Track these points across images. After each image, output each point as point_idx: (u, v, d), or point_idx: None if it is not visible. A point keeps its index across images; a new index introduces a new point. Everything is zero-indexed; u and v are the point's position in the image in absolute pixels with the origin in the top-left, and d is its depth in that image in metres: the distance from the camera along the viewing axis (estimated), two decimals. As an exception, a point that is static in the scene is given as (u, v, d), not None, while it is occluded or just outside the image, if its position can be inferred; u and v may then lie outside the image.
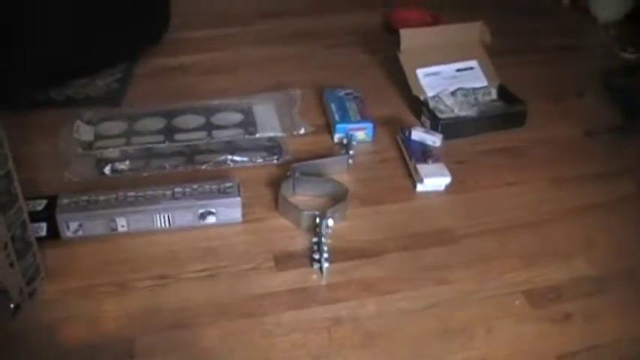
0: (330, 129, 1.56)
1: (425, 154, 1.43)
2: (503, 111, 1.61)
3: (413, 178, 1.40)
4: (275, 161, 1.45)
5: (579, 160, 1.50)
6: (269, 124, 1.54)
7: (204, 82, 1.78)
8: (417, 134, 1.47)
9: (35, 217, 1.19)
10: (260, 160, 1.44)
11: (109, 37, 1.73)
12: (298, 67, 1.86)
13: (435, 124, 1.52)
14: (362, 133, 1.51)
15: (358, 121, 1.52)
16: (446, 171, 1.38)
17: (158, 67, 1.84)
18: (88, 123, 1.54)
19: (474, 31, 1.71)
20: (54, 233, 1.23)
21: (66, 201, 1.24)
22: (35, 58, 1.59)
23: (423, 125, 1.56)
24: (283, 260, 1.20)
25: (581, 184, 1.42)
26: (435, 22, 2.05)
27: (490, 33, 1.69)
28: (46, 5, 1.57)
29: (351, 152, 1.43)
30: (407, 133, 1.48)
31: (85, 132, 1.50)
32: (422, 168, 1.38)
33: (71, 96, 1.68)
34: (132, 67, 1.82)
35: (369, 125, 1.52)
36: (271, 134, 1.51)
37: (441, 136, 1.46)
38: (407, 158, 1.45)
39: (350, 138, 1.47)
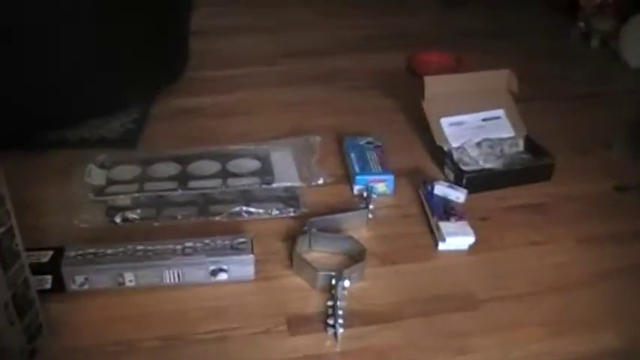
0: (349, 180, 1.50)
1: (448, 211, 1.37)
2: (530, 164, 1.55)
3: (434, 235, 1.35)
4: (291, 214, 1.40)
5: (608, 217, 1.44)
6: (287, 173, 1.49)
7: (222, 125, 1.74)
8: (440, 189, 1.42)
9: (40, 269, 1.16)
10: (276, 212, 1.39)
11: (127, 76, 1.69)
12: (319, 111, 1.82)
13: (460, 176, 1.47)
14: (382, 185, 1.46)
15: (379, 173, 1.47)
16: (470, 230, 1.32)
17: (175, 108, 1.80)
18: (101, 166, 1.50)
19: (501, 79, 1.66)
20: (59, 286, 1.19)
21: (72, 253, 1.20)
22: (50, 98, 1.56)
23: (446, 177, 1.51)
24: (296, 324, 1.15)
25: (610, 245, 1.36)
26: (459, 65, 2.01)
27: (517, 81, 1.64)
28: (63, 44, 1.54)
29: (370, 206, 1.37)
30: (429, 188, 1.43)
31: (96, 176, 1.47)
32: (444, 226, 1.33)
33: (85, 137, 1.65)
34: (149, 107, 1.79)
35: (390, 177, 1.47)
36: (289, 184, 1.46)
37: (465, 191, 1.41)
38: (429, 214, 1.39)
39: (370, 190, 1.42)
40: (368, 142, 1.58)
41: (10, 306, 1.00)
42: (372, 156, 1.53)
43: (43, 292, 1.11)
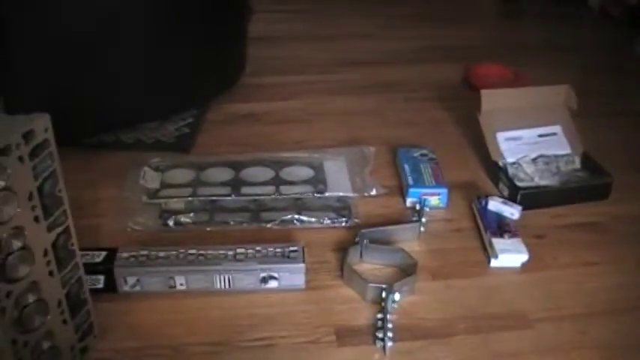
0: (402, 191, 1.49)
1: (501, 227, 1.35)
2: (586, 182, 1.52)
3: (487, 251, 1.33)
4: (343, 224, 1.39)
5: (669, 240, 1.40)
6: (340, 182, 1.49)
7: (277, 132, 1.74)
8: (495, 204, 1.40)
9: (93, 269, 1.17)
10: (328, 222, 1.39)
11: (185, 80, 1.71)
12: (374, 121, 1.82)
13: (514, 193, 1.45)
14: (436, 199, 1.45)
15: (432, 186, 1.46)
16: (523, 247, 1.30)
17: (230, 114, 1.82)
18: (156, 169, 1.52)
19: (559, 94, 1.63)
20: (111, 286, 1.20)
21: (125, 255, 1.21)
22: (108, 99, 1.58)
23: (500, 193, 1.49)
24: (345, 335, 1.14)
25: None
26: (517, 78, 1.99)
27: (576, 97, 1.61)
28: (123, 48, 1.56)
29: (423, 220, 1.36)
30: (483, 203, 1.41)
31: (151, 179, 1.48)
32: (497, 242, 1.31)
33: (141, 139, 1.67)
34: (204, 112, 1.80)
35: (444, 191, 1.45)
36: (341, 194, 1.45)
37: (519, 208, 1.39)
38: (482, 229, 1.37)
39: (423, 203, 1.41)
40: (422, 154, 1.57)
41: (63, 304, 1.01)
42: (426, 168, 1.51)
43: (94, 292, 1.12)
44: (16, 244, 0.91)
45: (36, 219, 0.93)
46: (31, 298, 0.96)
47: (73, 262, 1.03)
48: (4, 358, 0.95)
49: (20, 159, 0.88)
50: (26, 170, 0.90)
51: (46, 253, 0.96)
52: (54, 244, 0.97)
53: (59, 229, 0.98)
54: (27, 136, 0.89)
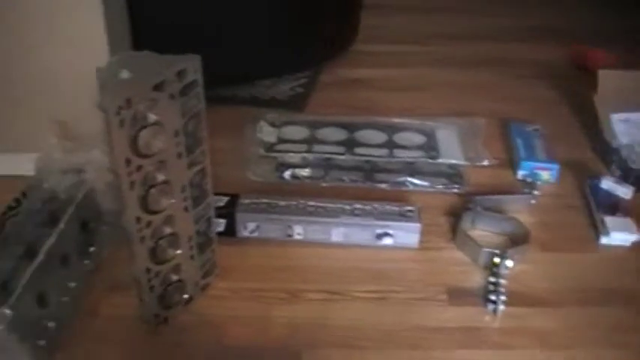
0: (512, 164, 1.51)
1: (613, 205, 1.36)
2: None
3: (597, 229, 1.33)
4: (455, 190, 1.41)
5: None
6: (451, 150, 1.51)
7: (387, 98, 1.77)
8: (607, 183, 1.40)
9: (216, 212, 1.21)
10: (440, 187, 1.42)
11: (300, 42, 1.75)
12: (483, 95, 1.83)
13: (627, 174, 1.45)
14: (547, 174, 1.46)
15: (544, 161, 1.47)
16: (634, 227, 1.30)
17: (342, 77, 1.85)
18: (272, 125, 1.56)
19: (677, 79, 1.62)
20: (231, 230, 1.25)
21: (247, 201, 1.26)
22: (227, 55, 1.63)
23: (612, 174, 1.49)
24: (456, 295, 1.16)
25: None
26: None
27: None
28: (243, 7, 1.61)
29: (535, 192, 1.37)
30: (596, 181, 1.42)
31: (267, 133, 1.53)
32: (608, 220, 1.31)
33: (256, 96, 1.72)
34: (317, 74, 1.84)
35: (555, 166, 1.46)
36: (453, 161, 1.47)
37: (632, 188, 1.39)
38: (593, 207, 1.38)
39: (534, 177, 1.42)
40: (534, 130, 1.58)
41: (193, 240, 1.07)
42: (538, 144, 1.53)
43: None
44: (160, 177, 0.96)
45: (179, 155, 0.98)
46: (166, 231, 1.01)
47: (206, 201, 1.07)
48: (139, 283, 1.01)
49: (171, 96, 0.93)
50: (175, 108, 0.95)
51: (183, 189, 1.01)
52: (191, 182, 1.02)
53: (197, 168, 1.03)
54: (180, 74, 0.94)
